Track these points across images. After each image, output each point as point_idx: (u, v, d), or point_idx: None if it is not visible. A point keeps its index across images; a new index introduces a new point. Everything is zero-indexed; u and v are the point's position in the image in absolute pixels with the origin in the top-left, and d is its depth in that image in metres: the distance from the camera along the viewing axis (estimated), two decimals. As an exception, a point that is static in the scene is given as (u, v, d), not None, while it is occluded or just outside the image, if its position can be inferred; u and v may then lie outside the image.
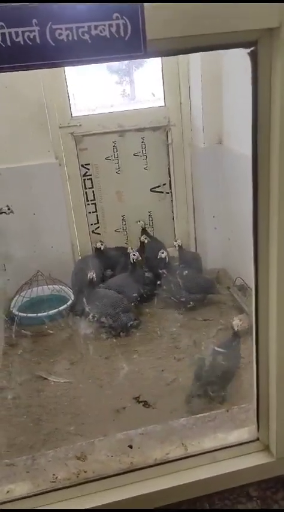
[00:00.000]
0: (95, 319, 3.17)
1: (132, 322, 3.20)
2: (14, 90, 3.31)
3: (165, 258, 3.57)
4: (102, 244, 3.78)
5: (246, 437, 1.37)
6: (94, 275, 3.33)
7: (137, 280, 3.48)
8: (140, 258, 3.46)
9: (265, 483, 1.28)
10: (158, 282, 3.54)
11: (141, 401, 2.57)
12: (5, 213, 3.14)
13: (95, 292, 3.35)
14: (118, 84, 4.00)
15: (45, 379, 2.83)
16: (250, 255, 1.21)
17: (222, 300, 3.51)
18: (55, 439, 2.35)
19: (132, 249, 3.61)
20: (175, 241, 3.83)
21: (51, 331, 3.29)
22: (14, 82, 3.29)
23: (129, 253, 3.57)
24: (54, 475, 1.31)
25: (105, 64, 3.76)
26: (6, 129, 3.37)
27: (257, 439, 1.36)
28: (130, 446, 1.40)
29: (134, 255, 3.44)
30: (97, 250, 3.79)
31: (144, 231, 3.89)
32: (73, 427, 2.43)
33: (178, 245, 3.79)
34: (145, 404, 2.55)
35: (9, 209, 3.14)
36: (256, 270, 1.18)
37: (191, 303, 3.39)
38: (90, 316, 3.18)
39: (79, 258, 3.91)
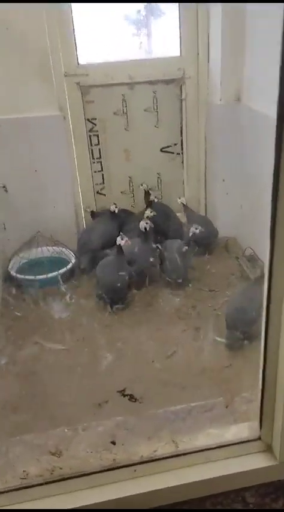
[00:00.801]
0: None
1: (118, 306, 3.01)
2: (15, 32, 3.03)
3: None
4: (116, 207, 3.51)
5: (246, 435, 1.23)
6: (123, 241, 2.96)
7: (147, 250, 3.21)
8: (153, 226, 3.18)
9: (264, 488, 1.15)
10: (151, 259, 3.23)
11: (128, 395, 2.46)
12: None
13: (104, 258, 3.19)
14: (135, 36, 3.67)
15: (42, 345, 2.72)
16: (262, 225, 1.03)
17: (230, 271, 3.33)
18: (46, 408, 2.26)
19: (147, 217, 3.28)
20: (179, 198, 3.60)
21: (52, 296, 3.17)
22: (16, 23, 3.01)
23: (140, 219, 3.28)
24: (24, 471, 1.18)
25: (121, 13, 3.44)
26: (6, 75, 3.11)
27: (259, 438, 1.21)
28: (114, 443, 1.26)
29: (147, 223, 3.15)
30: (112, 213, 3.52)
31: (147, 194, 3.63)
32: (66, 398, 2.33)
33: (183, 203, 3.56)
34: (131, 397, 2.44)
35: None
36: (272, 245, 0.99)
37: (189, 285, 3.19)
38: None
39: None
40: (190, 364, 2.52)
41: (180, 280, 3.14)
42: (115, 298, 3.00)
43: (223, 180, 3.56)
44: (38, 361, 2.60)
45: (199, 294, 3.12)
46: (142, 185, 3.64)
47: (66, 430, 1.44)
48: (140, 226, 3.16)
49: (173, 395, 2.31)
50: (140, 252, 3.15)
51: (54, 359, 2.59)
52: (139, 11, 3.56)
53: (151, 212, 3.31)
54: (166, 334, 2.76)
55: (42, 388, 2.39)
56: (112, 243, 3.42)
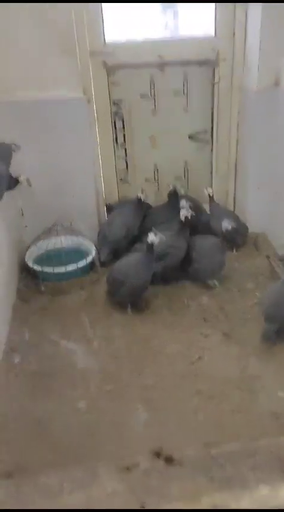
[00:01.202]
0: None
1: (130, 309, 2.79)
2: (38, 7, 2.81)
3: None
4: (142, 193, 3.28)
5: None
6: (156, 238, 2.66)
7: (182, 244, 2.94)
8: (194, 214, 2.91)
9: None
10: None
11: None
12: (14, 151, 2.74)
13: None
14: (161, 13, 3.40)
15: (57, 343, 2.56)
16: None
17: (259, 270, 3.11)
18: (60, 416, 2.10)
19: (186, 202, 3.02)
20: (206, 188, 3.34)
21: (70, 289, 3.00)
22: (40, -3, 2.79)
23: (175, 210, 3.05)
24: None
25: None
26: (28, 53, 2.90)
27: None
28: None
29: (188, 210, 2.87)
30: (139, 201, 3.29)
31: (173, 194, 3.37)
32: (82, 404, 2.17)
33: (209, 195, 3.31)
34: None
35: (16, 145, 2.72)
36: None
37: (216, 283, 2.97)
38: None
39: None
40: (216, 372, 2.34)
41: (214, 282, 2.94)
42: (137, 300, 2.81)
43: (255, 173, 3.31)
44: (54, 361, 2.44)
45: (227, 293, 2.92)
46: (170, 186, 3.40)
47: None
48: (181, 216, 2.89)
49: (199, 405, 2.14)
50: (175, 245, 2.89)
51: (69, 360, 2.43)
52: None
53: (186, 202, 3.04)
54: (190, 338, 2.57)
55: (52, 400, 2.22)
56: (136, 235, 3.25)
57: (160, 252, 2.78)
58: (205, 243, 3.00)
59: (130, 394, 2.23)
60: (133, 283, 2.71)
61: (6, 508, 1.07)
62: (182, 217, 2.89)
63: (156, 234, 2.65)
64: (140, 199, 3.26)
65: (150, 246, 2.66)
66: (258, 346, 2.48)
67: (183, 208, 2.95)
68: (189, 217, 2.89)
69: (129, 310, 2.77)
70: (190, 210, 2.91)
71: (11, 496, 1.10)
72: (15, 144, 2.74)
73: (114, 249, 3.21)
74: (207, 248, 2.96)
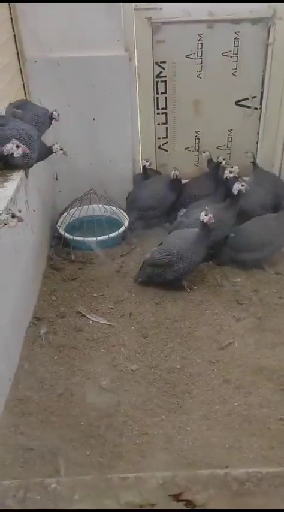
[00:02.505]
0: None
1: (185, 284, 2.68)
2: None
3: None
4: (175, 171, 3.09)
5: None
6: (207, 217, 2.53)
7: (232, 218, 2.78)
8: (248, 188, 2.73)
9: None
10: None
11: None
12: (54, 119, 2.61)
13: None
14: None
15: (85, 316, 2.51)
16: None
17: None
18: (82, 393, 2.07)
19: (226, 178, 2.88)
20: (246, 153, 3.15)
21: (100, 260, 2.92)
22: None
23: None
24: None
25: None
26: (67, 7, 2.71)
27: None
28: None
29: (243, 185, 2.69)
30: (172, 180, 3.10)
31: (210, 162, 3.21)
32: (106, 381, 2.13)
33: (252, 162, 3.10)
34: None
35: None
36: None
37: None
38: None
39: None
40: (246, 360, 2.23)
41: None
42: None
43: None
44: (80, 334, 2.39)
45: (262, 275, 2.76)
46: (204, 153, 3.21)
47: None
48: (234, 189, 2.72)
49: (226, 394, 2.05)
50: (225, 220, 2.73)
51: (96, 335, 2.38)
52: None
53: (242, 185, 2.76)
54: (222, 321, 2.45)
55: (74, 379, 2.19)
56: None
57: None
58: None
59: (154, 376, 2.16)
60: (193, 259, 2.59)
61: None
62: (235, 191, 2.71)
63: (207, 214, 2.52)
64: (175, 178, 3.09)
65: (204, 224, 2.54)
66: (293, 334, 2.35)
67: (232, 177, 2.79)
68: (244, 191, 2.71)
69: (185, 284, 2.67)
70: (244, 182, 2.72)
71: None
72: (56, 111, 2.62)
73: (143, 216, 3.12)
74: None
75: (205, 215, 2.53)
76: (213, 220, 2.53)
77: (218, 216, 2.61)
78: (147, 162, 3.18)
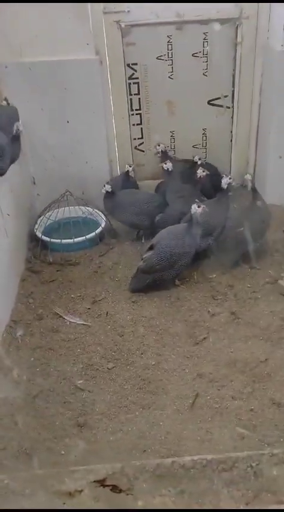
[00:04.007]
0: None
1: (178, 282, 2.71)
2: None
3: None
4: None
5: None
6: (200, 209, 2.57)
7: (223, 214, 2.80)
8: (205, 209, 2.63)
9: None
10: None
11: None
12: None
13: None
14: None
15: (62, 317, 2.54)
16: None
17: (275, 246, 2.97)
18: (57, 393, 2.10)
19: (199, 177, 2.92)
20: (246, 174, 2.96)
21: (78, 261, 2.95)
22: None
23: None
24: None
25: None
26: (36, 13, 2.75)
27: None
28: None
29: (230, 178, 2.73)
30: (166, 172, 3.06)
31: (163, 154, 3.24)
32: (81, 381, 2.16)
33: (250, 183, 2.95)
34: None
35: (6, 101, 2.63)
36: None
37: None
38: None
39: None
40: (220, 354, 2.27)
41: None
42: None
43: (278, 141, 3.10)
44: (56, 335, 2.42)
45: (238, 271, 2.80)
46: (159, 145, 3.23)
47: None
48: (223, 184, 2.75)
49: (199, 387, 2.09)
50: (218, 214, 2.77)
51: (72, 335, 2.41)
52: None
53: (203, 171, 2.93)
54: (197, 317, 2.49)
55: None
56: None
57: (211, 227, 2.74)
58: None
59: (130, 373, 2.19)
60: (191, 253, 2.63)
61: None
62: (224, 185, 2.74)
63: (199, 206, 2.56)
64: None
65: (194, 218, 2.58)
66: (266, 327, 2.39)
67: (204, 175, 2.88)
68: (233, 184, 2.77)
69: (177, 282, 2.70)
70: (230, 177, 2.76)
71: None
72: (6, 99, 2.64)
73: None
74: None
75: (198, 207, 2.56)
76: (207, 210, 2.57)
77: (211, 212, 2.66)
78: (130, 167, 3.19)
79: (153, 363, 2.24)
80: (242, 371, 2.17)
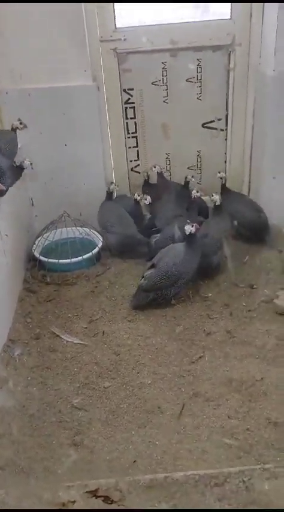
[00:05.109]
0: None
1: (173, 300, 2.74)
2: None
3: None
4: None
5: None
6: (193, 228, 2.65)
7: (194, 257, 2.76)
8: (199, 227, 2.70)
9: None
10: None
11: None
12: (17, 128, 2.71)
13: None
14: None
15: (59, 336, 2.56)
16: None
17: (271, 265, 3.01)
18: (54, 412, 2.10)
19: (194, 198, 3.05)
20: (219, 173, 3.19)
21: (75, 281, 2.99)
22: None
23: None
24: None
25: None
26: (35, 41, 2.85)
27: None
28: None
29: (193, 225, 2.65)
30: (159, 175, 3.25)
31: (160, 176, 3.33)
32: (78, 400, 2.16)
33: (221, 178, 3.17)
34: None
35: (21, 123, 2.72)
36: None
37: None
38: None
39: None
40: (216, 372, 2.28)
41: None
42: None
43: (271, 162, 3.18)
44: (54, 354, 2.44)
45: (233, 290, 2.84)
46: (155, 167, 3.29)
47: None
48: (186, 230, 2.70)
49: (195, 407, 2.10)
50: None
51: (69, 354, 2.43)
52: None
53: (197, 192, 3.04)
54: (193, 336, 2.51)
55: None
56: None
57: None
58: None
59: (126, 392, 2.20)
60: (192, 270, 2.69)
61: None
62: (187, 231, 2.68)
63: (192, 225, 2.63)
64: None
65: (191, 237, 2.66)
66: (262, 346, 2.41)
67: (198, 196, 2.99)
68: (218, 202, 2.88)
69: (173, 301, 2.73)
70: (195, 225, 2.68)
71: None
72: (20, 121, 2.71)
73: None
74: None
75: (192, 226, 2.63)
76: (199, 227, 2.65)
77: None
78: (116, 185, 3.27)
79: (149, 381, 2.25)
80: (238, 390, 2.18)
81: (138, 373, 2.32)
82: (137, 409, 2.12)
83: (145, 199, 3.12)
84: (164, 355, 2.41)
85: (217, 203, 2.93)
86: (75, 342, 2.52)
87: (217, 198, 2.93)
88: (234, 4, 2.99)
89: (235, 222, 3.12)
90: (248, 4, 2.96)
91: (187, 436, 1.98)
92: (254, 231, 3.19)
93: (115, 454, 1.92)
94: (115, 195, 3.31)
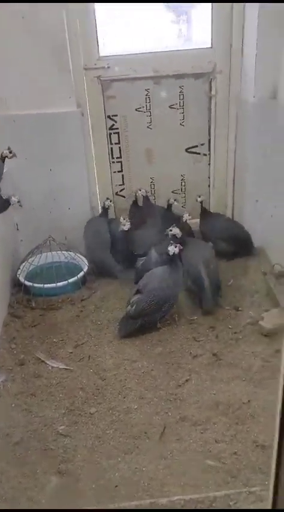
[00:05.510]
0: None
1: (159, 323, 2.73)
2: (31, 21, 2.81)
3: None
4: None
5: None
6: (176, 248, 2.67)
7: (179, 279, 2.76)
8: (182, 248, 2.71)
9: None
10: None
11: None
12: (6, 157, 2.72)
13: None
14: (174, 23, 3.37)
15: (44, 362, 2.52)
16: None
17: (255, 287, 3.03)
18: (39, 440, 2.06)
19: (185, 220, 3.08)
20: (199, 197, 3.26)
21: (60, 305, 2.97)
22: (32, 12, 2.78)
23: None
24: None
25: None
26: (20, 69, 2.90)
27: None
28: None
29: (176, 246, 2.67)
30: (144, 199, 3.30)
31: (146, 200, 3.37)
32: (63, 426, 2.12)
33: (201, 202, 3.24)
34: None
35: (10, 152, 2.71)
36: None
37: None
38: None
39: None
40: (203, 396, 2.26)
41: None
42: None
43: (253, 186, 3.24)
44: (39, 380, 2.40)
45: (219, 312, 2.84)
46: (140, 190, 3.33)
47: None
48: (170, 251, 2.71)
49: (182, 431, 2.07)
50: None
51: (54, 380, 2.39)
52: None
53: (189, 215, 3.12)
54: (179, 359, 2.50)
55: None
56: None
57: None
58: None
59: (112, 418, 2.17)
60: (176, 292, 2.71)
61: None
62: (170, 252, 2.68)
63: (175, 246, 2.65)
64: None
65: (174, 258, 2.67)
66: (248, 368, 2.41)
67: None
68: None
69: (159, 325, 2.72)
70: (178, 245, 2.69)
71: None
72: (10, 149, 2.72)
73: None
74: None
75: (175, 247, 2.65)
76: (182, 248, 2.67)
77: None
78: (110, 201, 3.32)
79: (135, 406, 2.23)
80: (225, 413, 2.16)
81: (124, 397, 2.29)
82: (123, 434, 2.09)
83: (124, 225, 3.07)
84: (150, 379, 2.39)
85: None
86: (60, 367, 2.48)
87: (177, 231, 2.85)
88: (215, 33, 3.09)
89: (210, 243, 3.14)
90: (229, 32, 3.06)
91: (174, 461, 1.95)
92: (239, 244, 3.25)
93: (101, 482, 1.88)
94: (109, 211, 3.35)
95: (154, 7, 3.09)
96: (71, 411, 2.22)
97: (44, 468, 1.94)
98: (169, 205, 3.29)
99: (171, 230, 2.86)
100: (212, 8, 3.03)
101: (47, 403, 2.26)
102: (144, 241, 3.17)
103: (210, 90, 3.25)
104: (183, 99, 3.26)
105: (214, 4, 3.01)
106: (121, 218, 3.20)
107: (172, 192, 3.54)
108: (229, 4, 2.99)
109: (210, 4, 3.03)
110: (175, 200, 3.28)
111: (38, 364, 2.51)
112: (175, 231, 2.85)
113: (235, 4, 2.99)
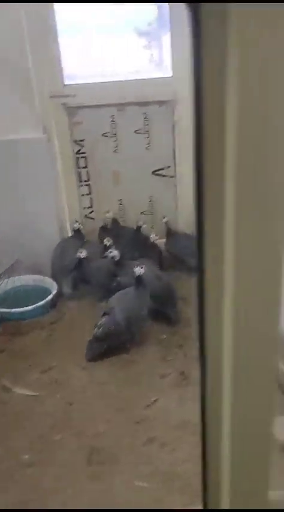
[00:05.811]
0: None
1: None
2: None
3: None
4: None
5: None
6: (142, 269, 2.68)
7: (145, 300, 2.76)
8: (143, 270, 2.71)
9: None
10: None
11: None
12: None
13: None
14: (146, 48, 3.50)
15: (9, 389, 2.48)
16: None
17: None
18: (2, 470, 2.01)
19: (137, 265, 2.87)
20: (163, 218, 3.36)
21: (29, 329, 2.93)
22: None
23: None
24: None
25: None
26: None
27: None
28: None
29: (142, 267, 2.68)
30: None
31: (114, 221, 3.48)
32: (28, 455, 2.08)
33: (166, 223, 3.36)
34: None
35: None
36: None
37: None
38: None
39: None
40: (171, 416, 2.26)
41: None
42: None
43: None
44: (3, 408, 2.35)
45: (187, 330, 2.86)
46: (108, 212, 3.42)
47: None
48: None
49: (150, 453, 2.06)
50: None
51: (20, 407, 2.35)
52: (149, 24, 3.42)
53: (156, 235, 3.25)
54: (147, 379, 2.50)
55: None
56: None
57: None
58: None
59: (79, 443, 2.13)
60: (144, 313, 2.71)
61: None
62: (136, 273, 2.69)
63: (141, 267, 2.67)
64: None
65: (139, 279, 2.68)
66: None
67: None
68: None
69: (127, 345, 2.71)
70: (144, 267, 2.71)
71: None
72: None
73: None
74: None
75: (141, 268, 2.67)
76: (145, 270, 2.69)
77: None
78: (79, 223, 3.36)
79: (103, 430, 2.20)
80: (193, 432, 2.16)
81: (91, 421, 2.26)
82: (90, 460, 2.05)
83: (113, 256, 2.99)
84: (119, 401, 2.37)
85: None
86: (26, 393, 2.44)
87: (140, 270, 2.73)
88: (175, 61, 3.20)
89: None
90: (188, 61, 3.16)
91: (144, 486, 1.92)
92: None
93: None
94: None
95: (125, 33, 3.22)
96: (36, 439, 2.17)
97: (8, 500, 1.88)
98: (139, 227, 3.33)
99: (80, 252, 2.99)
100: (171, 37, 3.15)
101: (12, 432, 2.21)
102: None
103: (173, 115, 3.35)
104: (148, 124, 3.35)
105: (173, 32, 3.13)
106: (106, 240, 3.20)
107: (141, 213, 3.59)
108: (187, 32, 3.11)
109: (169, 35, 3.15)
110: (143, 223, 3.33)
111: (4, 392, 2.46)
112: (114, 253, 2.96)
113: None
